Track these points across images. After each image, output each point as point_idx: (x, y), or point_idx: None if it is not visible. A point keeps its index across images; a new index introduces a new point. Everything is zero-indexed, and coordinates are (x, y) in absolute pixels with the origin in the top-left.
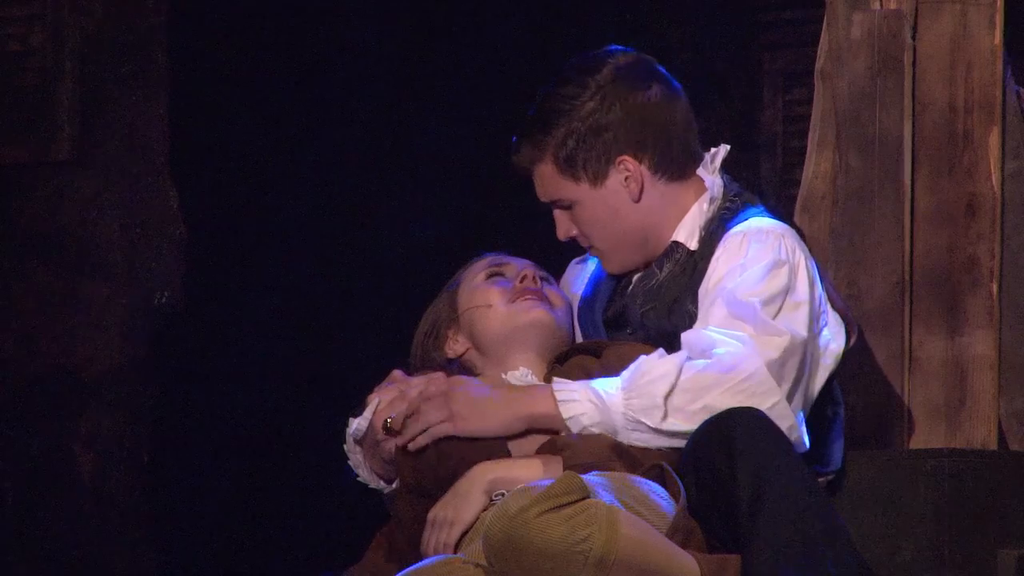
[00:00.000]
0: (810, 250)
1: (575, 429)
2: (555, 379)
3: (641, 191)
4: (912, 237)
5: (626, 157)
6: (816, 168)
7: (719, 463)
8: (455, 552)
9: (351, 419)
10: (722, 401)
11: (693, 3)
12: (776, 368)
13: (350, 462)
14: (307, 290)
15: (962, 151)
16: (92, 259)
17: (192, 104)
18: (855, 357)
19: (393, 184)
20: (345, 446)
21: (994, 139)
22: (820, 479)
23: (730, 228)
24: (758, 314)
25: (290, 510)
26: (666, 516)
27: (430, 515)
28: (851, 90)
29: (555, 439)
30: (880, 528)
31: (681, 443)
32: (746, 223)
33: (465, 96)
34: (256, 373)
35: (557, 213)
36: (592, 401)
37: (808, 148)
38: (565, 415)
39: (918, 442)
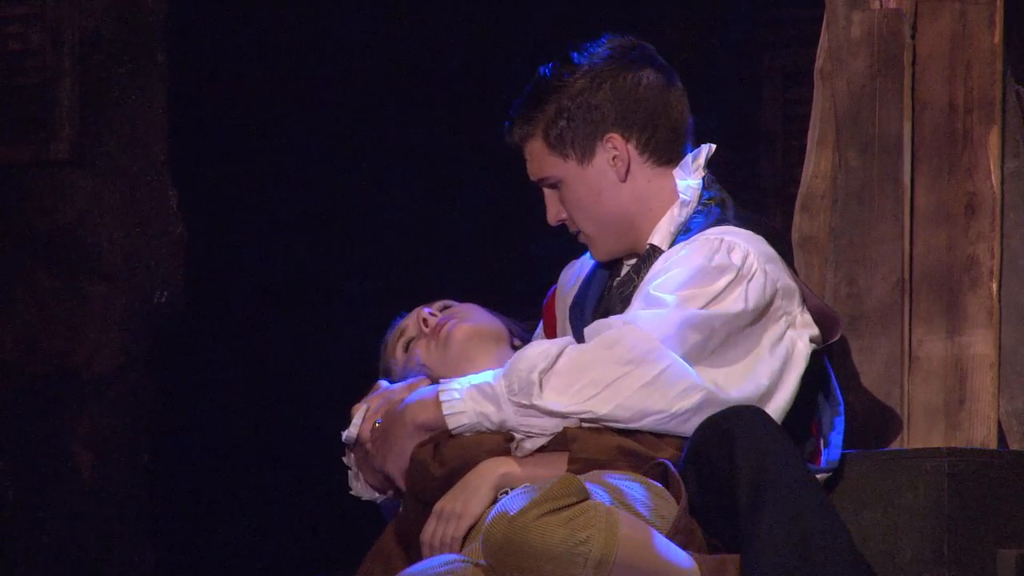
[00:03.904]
0: (808, 249)
1: (457, 432)
2: (442, 380)
3: (627, 171)
4: (912, 236)
5: (613, 135)
6: (816, 167)
7: (719, 461)
8: (461, 546)
9: (342, 433)
10: (607, 373)
11: (694, 2)
12: (671, 339)
13: (349, 474)
14: (306, 290)
15: (962, 150)
16: (92, 259)
17: (192, 104)
18: (855, 357)
19: (394, 184)
20: (344, 459)
21: (994, 138)
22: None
23: (692, 235)
24: (669, 305)
25: (290, 510)
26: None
27: (436, 507)
28: (851, 89)
29: (566, 430)
30: (880, 528)
31: (567, 423)
32: (703, 231)
33: (464, 96)
34: (255, 373)
35: (547, 194)
36: (473, 398)
37: (808, 147)
38: (450, 424)
39: (918, 442)
